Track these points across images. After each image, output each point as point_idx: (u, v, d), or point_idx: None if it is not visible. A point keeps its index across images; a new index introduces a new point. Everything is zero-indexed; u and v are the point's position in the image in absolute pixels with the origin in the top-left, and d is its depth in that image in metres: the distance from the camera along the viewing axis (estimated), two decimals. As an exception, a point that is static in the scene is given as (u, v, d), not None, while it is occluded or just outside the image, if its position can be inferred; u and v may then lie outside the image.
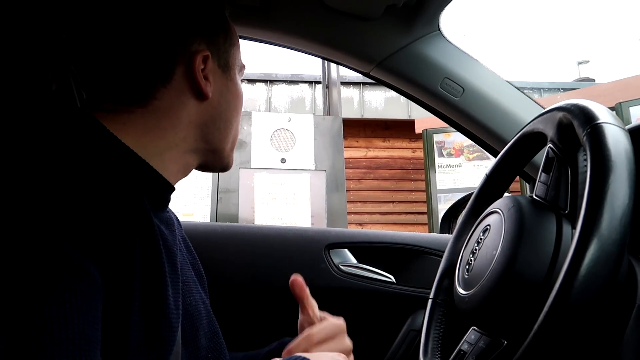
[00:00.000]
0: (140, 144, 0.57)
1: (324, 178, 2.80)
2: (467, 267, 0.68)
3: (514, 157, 0.76)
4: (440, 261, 0.85)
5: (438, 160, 4.63)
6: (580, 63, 7.20)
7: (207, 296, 0.75)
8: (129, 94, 0.58)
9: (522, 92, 0.95)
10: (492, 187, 0.80)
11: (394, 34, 0.95)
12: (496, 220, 0.65)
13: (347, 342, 0.71)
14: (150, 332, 0.49)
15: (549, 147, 0.63)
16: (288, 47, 1.00)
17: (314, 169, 2.83)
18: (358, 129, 5.52)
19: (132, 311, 0.47)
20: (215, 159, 0.67)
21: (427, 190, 4.60)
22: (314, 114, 5.26)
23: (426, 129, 4.68)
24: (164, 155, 0.60)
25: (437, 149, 4.67)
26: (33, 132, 0.50)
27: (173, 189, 0.63)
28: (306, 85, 5.44)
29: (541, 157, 0.72)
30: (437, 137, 4.66)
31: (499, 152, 0.96)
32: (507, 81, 0.97)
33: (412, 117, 5.29)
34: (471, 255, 0.68)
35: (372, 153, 5.66)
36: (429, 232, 4.59)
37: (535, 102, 0.95)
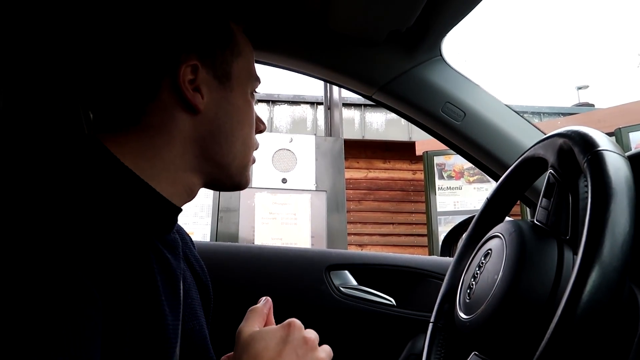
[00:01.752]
0: (138, 164, 0.55)
1: (325, 199, 2.81)
2: (468, 291, 0.68)
3: (515, 181, 0.76)
4: (441, 284, 0.84)
5: (438, 183, 4.64)
6: (579, 88, 7.26)
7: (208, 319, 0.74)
8: (120, 112, 0.57)
9: (523, 117, 0.97)
10: (493, 211, 0.80)
11: (396, 59, 0.96)
12: (497, 244, 0.65)
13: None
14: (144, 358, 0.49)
15: (550, 172, 0.63)
16: (291, 69, 1.01)
17: (314, 189, 2.84)
18: (359, 150, 5.55)
19: (123, 340, 0.47)
20: (222, 177, 0.64)
21: (428, 212, 4.60)
22: (315, 134, 5.29)
23: (427, 151, 4.70)
24: (161, 175, 0.57)
25: (438, 171, 4.68)
26: (41, 159, 0.50)
27: (178, 211, 0.61)
28: (308, 106, 5.49)
29: (542, 182, 0.72)
30: (437, 160, 4.68)
31: (500, 176, 0.97)
32: (507, 106, 0.98)
33: (412, 139, 5.32)
34: (472, 280, 0.68)
35: (372, 174, 5.68)
36: (430, 254, 4.57)
37: (536, 127, 0.96)
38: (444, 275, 0.96)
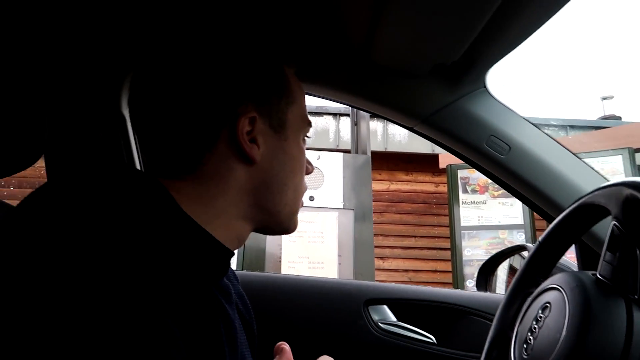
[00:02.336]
0: (193, 211, 0.55)
1: (352, 217, 2.78)
2: (524, 346, 0.65)
3: (569, 226, 0.73)
4: (484, 323, 0.82)
5: (462, 197, 4.58)
6: (604, 98, 7.11)
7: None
8: (178, 160, 0.57)
9: (573, 153, 0.93)
10: (545, 255, 0.77)
11: (440, 91, 0.94)
12: (557, 298, 0.62)
13: None
14: None
15: (614, 224, 0.60)
16: (332, 100, 1.00)
17: (342, 207, 2.82)
18: (381, 162, 5.51)
19: None
20: (272, 223, 0.64)
21: (451, 226, 4.54)
22: (337, 145, 5.27)
23: (450, 165, 4.65)
24: (215, 222, 0.57)
25: (462, 184, 4.62)
26: (111, 203, 0.48)
27: (232, 255, 0.60)
28: (330, 117, 5.48)
29: (598, 227, 0.69)
30: (461, 173, 4.62)
31: (548, 214, 0.94)
32: (555, 140, 0.95)
33: (435, 152, 5.27)
34: (529, 334, 0.65)
35: (394, 186, 5.63)
36: (452, 269, 4.50)
37: (586, 164, 0.93)
38: (487, 313, 0.93)
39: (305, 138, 0.68)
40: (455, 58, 0.87)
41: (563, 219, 0.73)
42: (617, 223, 0.60)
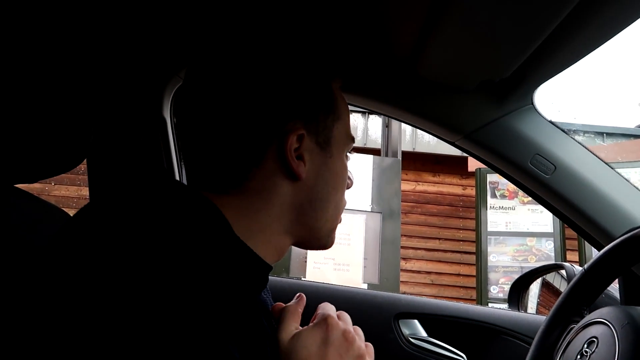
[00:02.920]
0: (237, 226, 0.54)
1: (380, 220, 2.76)
2: (569, 380, 0.63)
3: (619, 256, 0.71)
4: (518, 345, 0.80)
5: (490, 201, 4.50)
6: (642, 105, 6.86)
7: None
8: (224, 176, 0.57)
9: (622, 177, 0.90)
10: (590, 283, 0.75)
11: (485, 107, 0.92)
12: (606, 334, 0.60)
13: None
14: None
15: (671, 261, 0.58)
16: (376, 113, 0.99)
17: (370, 210, 2.80)
18: (408, 161, 5.46)
19: None
20: (312, 239, 0.64)
21: (477, 230, 4.47)
22: (364, 144, 5.24)
23: (479, 168, 4.57)
24: (257, 237, 0.57)
25: (490, 189, 4.54)
26: (163, 221, 0.48)
27: (270, 269, 0.60)
28: (359, 115, 5.45)
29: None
30: (490, 177, 4.54)
31: (595, 238, 0.91)
32: (603, 161, 0.92)
33: (464, 154, 5.19)
34: (574, 368, 0.63)
35: (421, 187, 5.58)
36: (477, 274, 4.43)
37: (636, 187, 0.89)
38: (521, 334, 0.91)
39: (349, 154, 0.68)
40: (504, 76, 0.84)
41: (614, 248, 0.71)
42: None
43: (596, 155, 0.92)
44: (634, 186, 0.88)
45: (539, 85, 0.90)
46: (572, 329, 0.71)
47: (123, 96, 0.95)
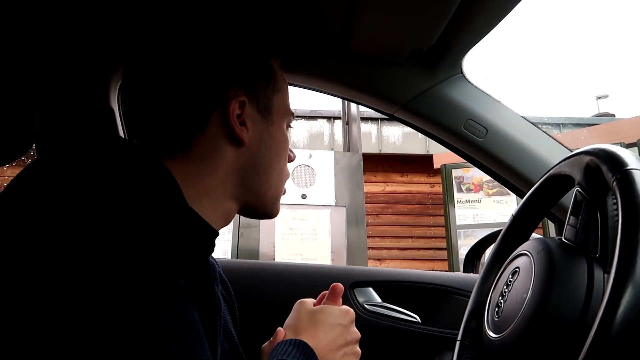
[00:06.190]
0: (182, 190, 0.55)
1: (344, 214, 2.82)
2: (496, 309, 0.68)
3: (540, 198, 0.76)
4: (467, 302, 0.84)
5: (457, 196, 4.60)
6: (599, 98, 7.16)
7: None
8: (169, 141, 0.60)
9: (546, 134, 0.96)
10: (518, 228, 0.80)
11: (418, 77, 0.98)
12: (525, 262, 0.65)
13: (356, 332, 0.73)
14: None
15: (577, 190, 0.64)
16: (312, 89, 1.03)
17: (334, 204, 2.85)
18: (376, 163, 5.55)
19: None
20: (257, 205, 0.67)
21: (447, 225, 4.56)
22: (332, 149, 5.31)
23: (445, 164, 4.68)
24: (203, 201, 0.59)
25: (456, 184, 4.65)
26: (109, 172, 0.50)
27: (217, 234, 0.63)
28: (325, 120, 5.52)
29: (567, 198, 0.72)
30: (455, 173, 4.65)
31: (524, 193, 0.97)
32: (530, 122, 0.98)
33: (430, 152, 5.31)
34: (500, 298, 0.68)
35: (390, 188, 5.66)
36: (450, 268, 4.52)
37: (560, 142, 0.96)
38: (469, 292, 0.95)
39: (289, 127, 0.72)
40: (430, 43, 0.90)
41: (534, 192, 0.76)
42: (579, 189, 0.63)
43: (522, 117, 0.98)
44: (556, 140, 0.95)
45: (465, 54, 0.96)
46: (502, 267, 0.75)
47: (69, 86, 0.97)
